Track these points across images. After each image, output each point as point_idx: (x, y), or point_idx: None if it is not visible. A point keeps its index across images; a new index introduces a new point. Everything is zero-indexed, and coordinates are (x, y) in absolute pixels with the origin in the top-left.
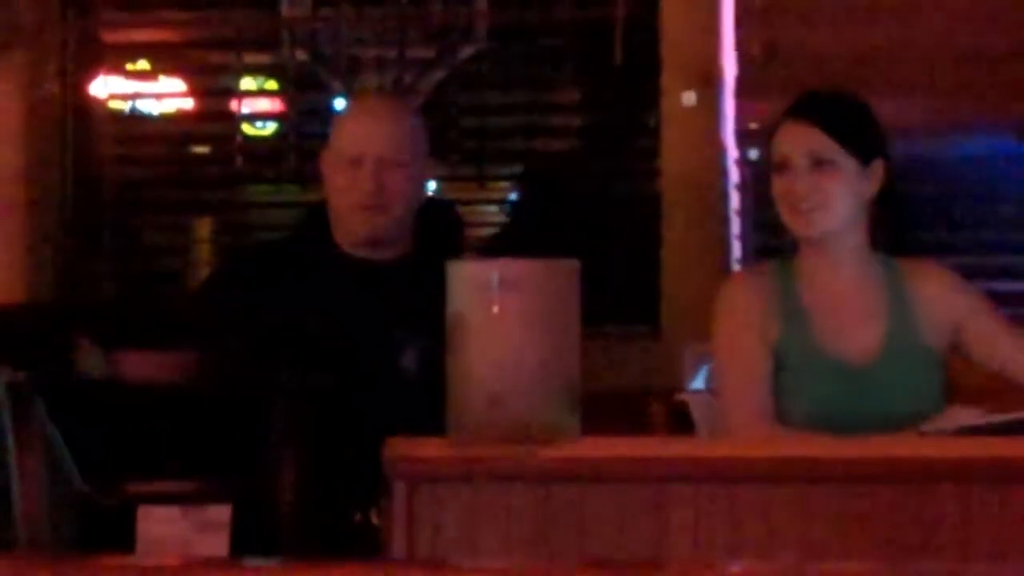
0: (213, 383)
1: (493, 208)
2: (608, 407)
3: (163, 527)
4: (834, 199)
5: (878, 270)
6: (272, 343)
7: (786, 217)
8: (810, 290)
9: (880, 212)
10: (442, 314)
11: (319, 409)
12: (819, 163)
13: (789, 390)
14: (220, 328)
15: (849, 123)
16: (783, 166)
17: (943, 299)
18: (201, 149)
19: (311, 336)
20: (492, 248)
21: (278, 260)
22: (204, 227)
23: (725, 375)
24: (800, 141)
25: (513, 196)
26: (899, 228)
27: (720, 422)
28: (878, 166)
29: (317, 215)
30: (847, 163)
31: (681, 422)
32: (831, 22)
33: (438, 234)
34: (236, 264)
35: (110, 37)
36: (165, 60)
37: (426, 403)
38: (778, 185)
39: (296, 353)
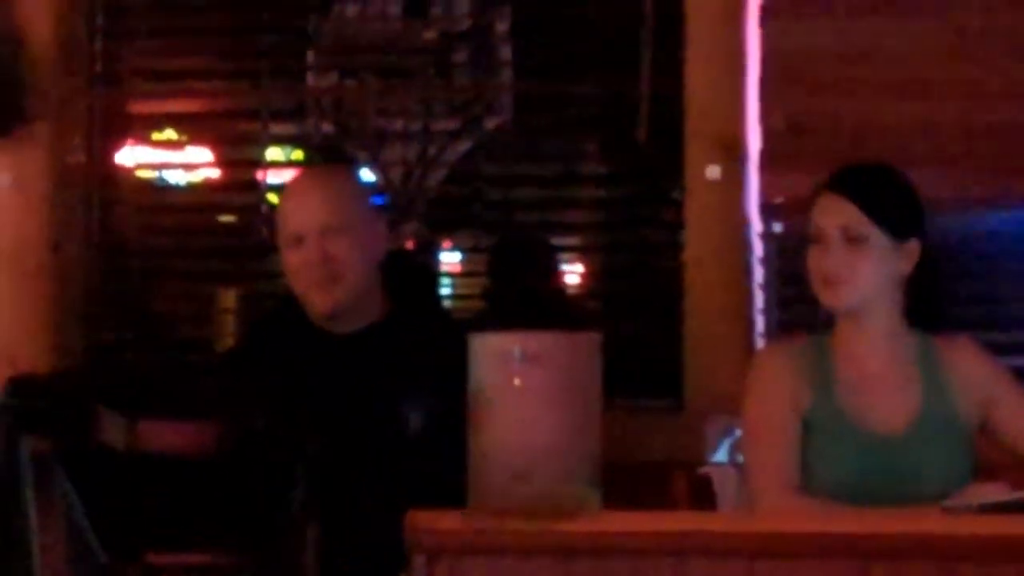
0: (234, 454)
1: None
2: (631, 480)
3: None
4: (863, 275)
5: (912, 345)
6: (292, 412)
7: (817, 289)
8: (843, 363)
9: (914, 288)
10: (430, 372)
11: (338, 481)
12: (851, 239)
13: (818, 460)
14: (240, 400)
15: (885, 200)
16: (817, 239)
17: (976, 376)
18: (227, 218)
19: (311, 414)
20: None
21: (276, 334)
22: (229, 297)
23: (753, 443)
24: (834, 214)
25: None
26: (933, 304)
27: (745, 489)
28: (914, 244)
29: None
30: (880, 240)
31: (703, 496)
32: (857, 96)
33: (410, 289)
34: (251, 336)
35: (137, 108)
36: (191, 130)
37: (430, 459)
38: (811, 257)
39: (311, 426)
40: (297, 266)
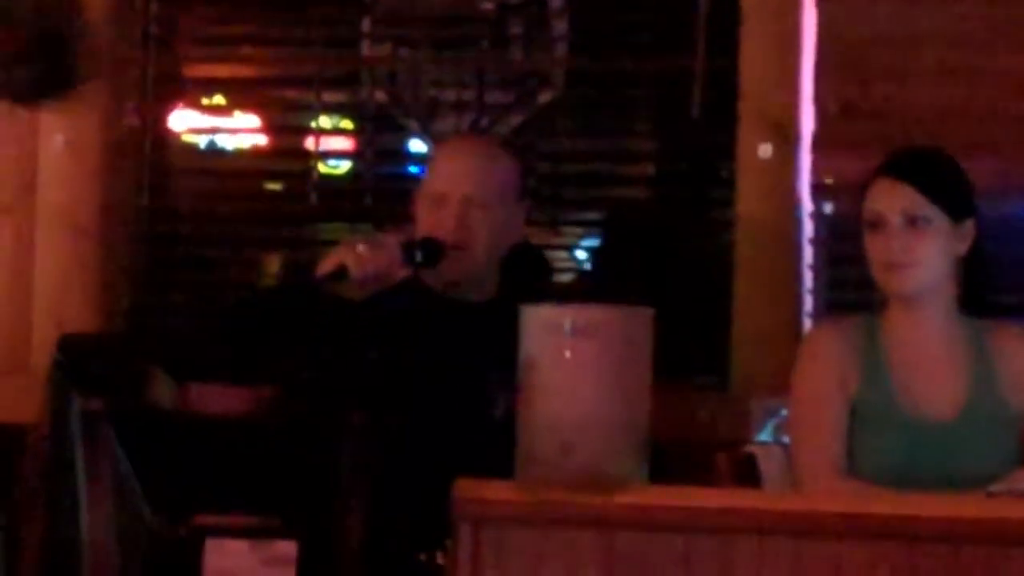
0: (284, 419)
1: (565, 254)
2: (675, 459)
3: (230, 561)
4: (927, 257)
5: (962, 330)
6: (346, 380)
7: (879, 274)
8: (894, 345)
9: (965, 272)
10: None
11: (389, 448)
12: (913, 221)
13: (865, 443)
14: (294, 364)
15: (943, 181)
16: (877, 224)
17: None
18: (274, 186)
19: (390, 373)
20: (565, 294)
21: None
22: (273, 263)
23: (800, 422)
24: (894, 199)
25: (589, 242)
26: (982, 289)
27: (790, 467)
28: (969, 224)
29: None
30: (940, 222)
31: (748, 475)
32: (910, 79)
33: (524, 279)
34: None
35: (190, 72)
36: (243, 96)
37: (507, 446)
38: (871, 242)
39: (372, 390)
40: (431, 225)
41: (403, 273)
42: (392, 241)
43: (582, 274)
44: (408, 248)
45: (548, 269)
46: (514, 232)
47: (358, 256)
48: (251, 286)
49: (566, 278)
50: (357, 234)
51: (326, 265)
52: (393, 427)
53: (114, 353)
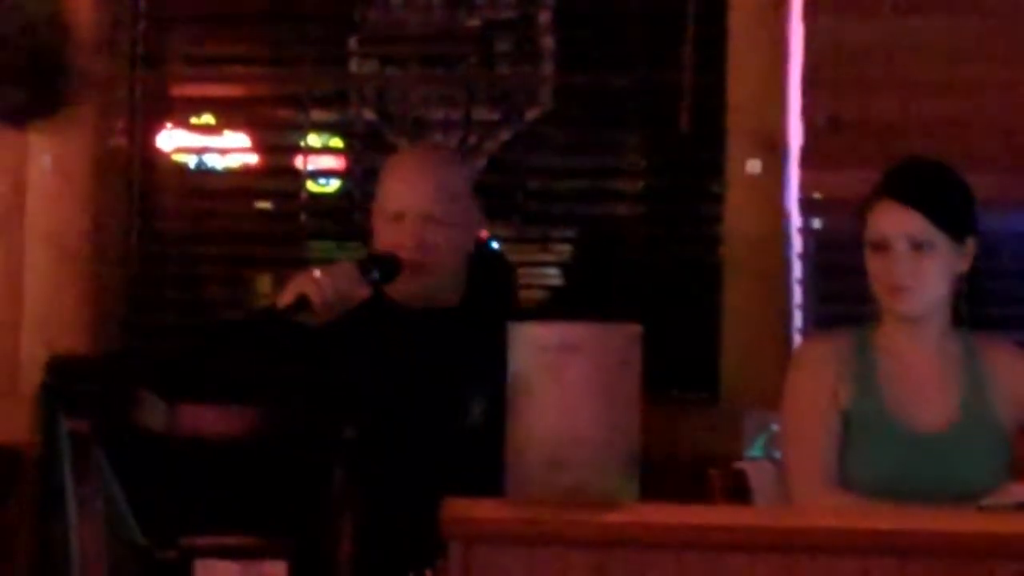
0: (273, 439)
1: (555, 271)
2: (666, 475)
3: None
4: (932, 280)
5: (955, 343)
6: (333, 398)
7: (883, 295)
8: (886, 358)
9: (961, 286)
10: (495, 362)
11: (377, 467)
12: (919, 246)
13: (857, 455)
14: (281, 383)
15: (947, 204)
16: (881, 247)
17: (1016, 378)
18: (264, 205)
19: (369, 389)
20: (553, 310)
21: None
22: (265, 283)
23: (791, 436)
24: (899, 224)
25: (578, 258)
26: (976, 303)
27: (781, 484)
28: (971, 243)
29: None
30: (944, 244)
31: (739, 491)
32: (898, 94)
33: (488, 280)
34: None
35: (179, 91)
36: (232, 115)
37: (482, 454)
38: (875, 264)
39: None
40: (390, 243)
41: (364, 293)
42: (347, 264)
43: (567, 290)
44: (364, 265)
45: (510, 267)
46: (473, 238)
47: (316, 283)
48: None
49: (554, 294)
50: (345, 252)
51: (286, 297)
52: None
53: (103, 375)
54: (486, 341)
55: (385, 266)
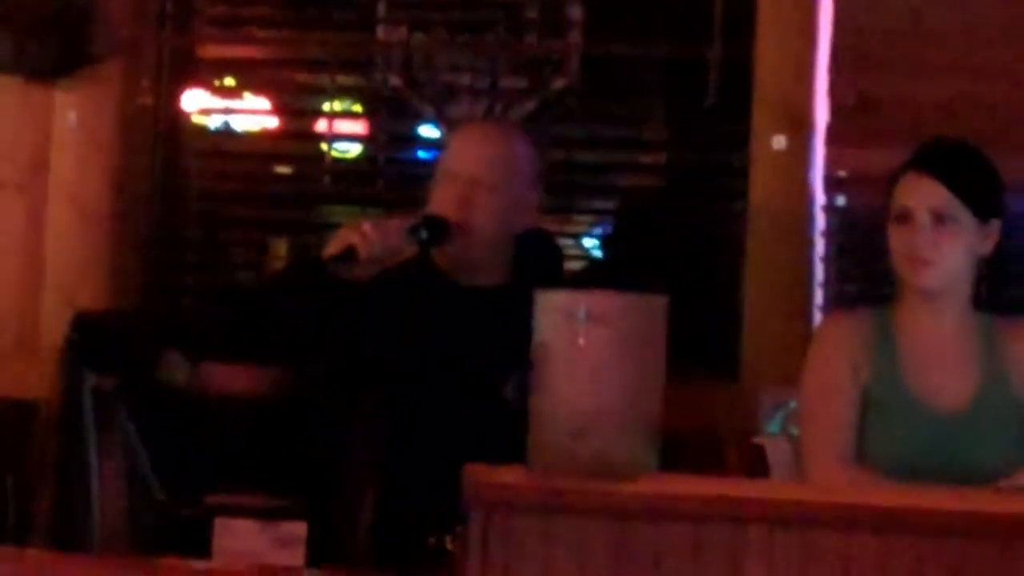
0: (296, 399)
1: (577, 241)
2: (684, 450)
3: (239, 540)
4: (952, 255)
5: (975, 324)
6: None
7: (903, 268)
8: (906, 338)
9: (983, 269)
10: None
11: (399, 430)
12: (940, 219)
13: (876, 434)
14: (306, 345)
15: (973, 181)
16: (904, 218)
17: None
18: (286, 168)
19: (400, 354)
20: (578, 281)
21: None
22: (280, 247)
23: (809, 412)
24: (923, 195)
25: (601, 230)
26: (999, 285)
27: (798, 457)
28: (995, 225)
29: None
30: (967, 220)
31: (756, 466)
32: (926, 73)
33: (536, 264)
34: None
35: (205, 52)
36: (257, 78)
37: (518, 431)
38: (896, 236)
39: (383, 371)
40: (437, 201)
41: (409, 252)
42: (397, 221)
43: (594, 262)
44: (413, 226)
45: (560, 256)
46: (524, 218)
47: (364, 235)
48: (259, 275)
49: (577, 265)
50: (365, 217)
51: (333, 246)
52: (403, 408)
53: (127, 332)
54: (526, 322)
55: (434, 226)
